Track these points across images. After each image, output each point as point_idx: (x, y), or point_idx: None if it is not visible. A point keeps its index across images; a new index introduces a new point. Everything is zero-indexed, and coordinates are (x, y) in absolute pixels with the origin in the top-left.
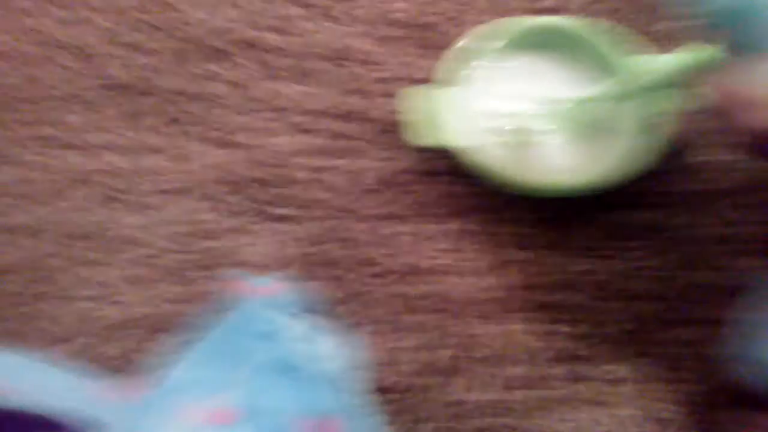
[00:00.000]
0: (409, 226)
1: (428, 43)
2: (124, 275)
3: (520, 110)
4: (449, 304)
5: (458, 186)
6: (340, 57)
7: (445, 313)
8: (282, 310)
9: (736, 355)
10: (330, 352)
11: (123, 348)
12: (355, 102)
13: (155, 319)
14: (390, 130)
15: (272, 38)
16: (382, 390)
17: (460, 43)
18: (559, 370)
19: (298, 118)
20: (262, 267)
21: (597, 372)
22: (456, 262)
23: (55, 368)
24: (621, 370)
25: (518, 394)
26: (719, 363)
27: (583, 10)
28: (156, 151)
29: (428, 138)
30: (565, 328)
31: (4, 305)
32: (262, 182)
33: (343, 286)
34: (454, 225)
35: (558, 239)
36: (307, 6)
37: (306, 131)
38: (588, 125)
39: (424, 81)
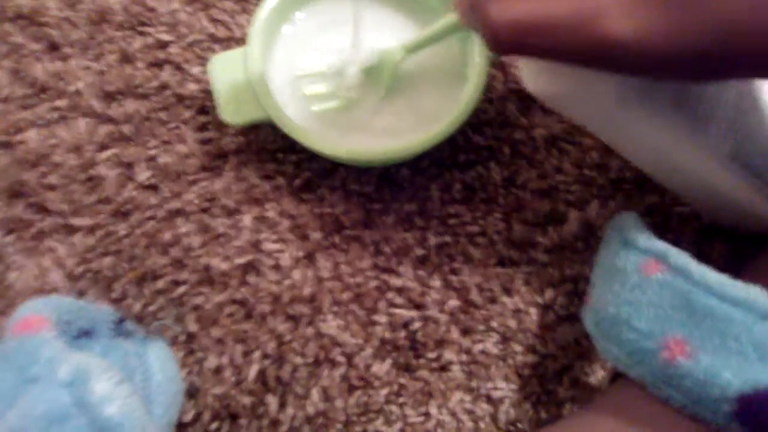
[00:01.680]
0: (239, 220)
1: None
2: None
3: (335, 68)
4: (251, 309)
5: (286, 168)
6: (145, 26)
7: (248, 322)
8: (51, 345)
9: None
10: (107, 392)
11: None
12: (167, 79)
13: None
14: (199, 104)
15: (51, 5)
16: (182, 427)
17: None
18: (380, 367)
19: (88, 101)
20: (42, 291)
21: (421, 361)
22: (255, 259)
23: None
24: (446, 354)
25: (338, 403)
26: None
27: None
28: None
29: (243, 114)
30: (383, 318)
31: None
32: (50, 187)
33: (126, 307)
34: (249, 215)
35: (368, 217)
36: None
37: (109, 119)
38: (405, 77)
39: (240, 42)
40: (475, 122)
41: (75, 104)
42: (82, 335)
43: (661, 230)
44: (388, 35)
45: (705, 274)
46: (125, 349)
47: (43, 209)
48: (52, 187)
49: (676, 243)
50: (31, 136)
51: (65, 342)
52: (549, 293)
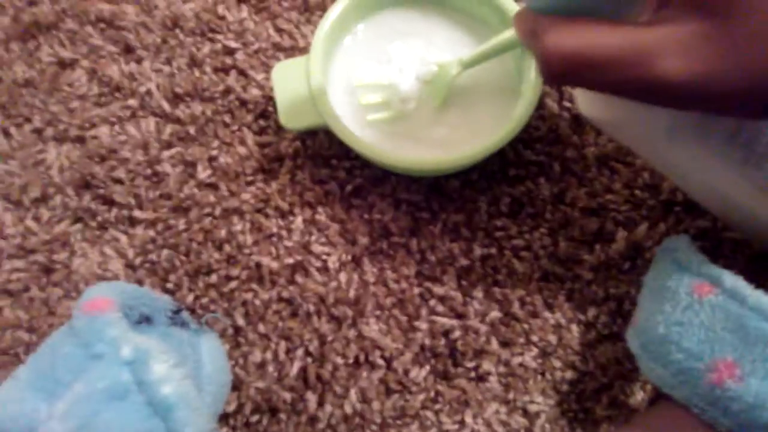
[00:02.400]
0: (291, 222)
1: (306, 7)
2: None
3: (392, 79)
4: (297, 308)
5: (340, 174)
6: (211, 30)
7: (294, 320)
8: (116, 326)
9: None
10: (164, 373)
11: None
12: (232, 84)
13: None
14: (261, 109)
15: (128, 10)
16: (225, 416)
17: (333, 7)
18: (418, 372)
19: (158, 101)
20: (102, 278)
21: (459, 370)
22: (304, 260)
23: None
24: (484, 364)
25: (375, 405)
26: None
27: None
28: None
29: (298, 118)
30: (424, 325)
31: None
32: (117, 180)
33: (180, 298)
34: (300, 217)
35: (416, 225)
36: None
37: (177, 120)
38: (460, 91)
39: (303, 51)
40: (527, 138)
41: (145, 104)
42: (143, 320)
43: (712, 255)
44: (446, 49)
45: (760, 298)
46: (180, 337)
47: (109, 201)
48: (118, 181)
49: (727, 268)
50: (104, 131)
51: (128, 324)
52: (592, 311)
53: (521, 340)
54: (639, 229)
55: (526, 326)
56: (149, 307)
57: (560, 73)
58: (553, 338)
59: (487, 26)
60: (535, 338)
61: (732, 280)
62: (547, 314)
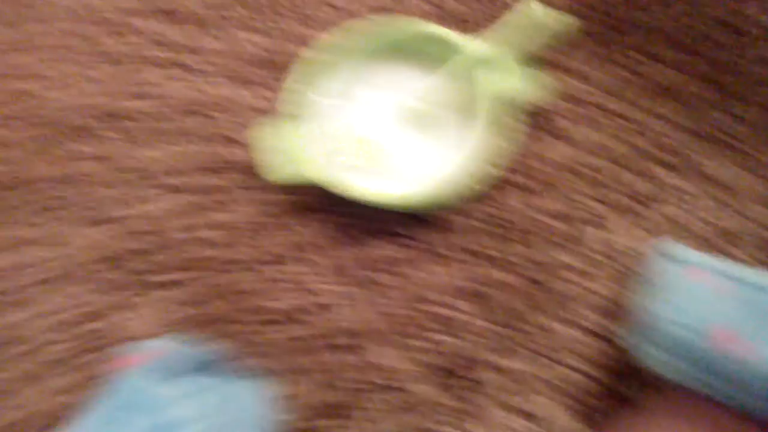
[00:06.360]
0: (287, 266)
1: (282, 73)
2: (12, 376)
3: (364, 124)
4: (336, 339)
5: (325, 216)
6: (200, 107)
7: (306, 355)
8: (160, 374)
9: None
10: (183, 420)
11: None
12: (220, 150)
13: (50, 413)
14: (254, 172)
15: (131, 105)
16: None
17: (296, 65)
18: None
19: (167, 180)
20: (150, 337)
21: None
22: (307, 300)
23: None
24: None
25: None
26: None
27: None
28: (31, 242)
29: (284, 173)
30: (424, 344)
31: None
32: (141, 252)
33: (235, 340)
34: (330, 256)
35: (403, 254)
36: (160, 65)
37: (177, 191)
38: (432, 121)
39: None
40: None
41: (155, 183)
42: (174, 371)
43: None
44: (405, 89)
45: (751, 273)
46: (213, 386)
47: (133, 272)
48: (140, 253)
49: None
50: (123, 213)
51: (154, 376)
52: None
53: (518, 348)
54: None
55: (521, 335)
56: (181, 361)
57: None
58: (544, 340)
59: (443, 64)
60: (530, 345)
61: (719, 262)
62: (541, 319)
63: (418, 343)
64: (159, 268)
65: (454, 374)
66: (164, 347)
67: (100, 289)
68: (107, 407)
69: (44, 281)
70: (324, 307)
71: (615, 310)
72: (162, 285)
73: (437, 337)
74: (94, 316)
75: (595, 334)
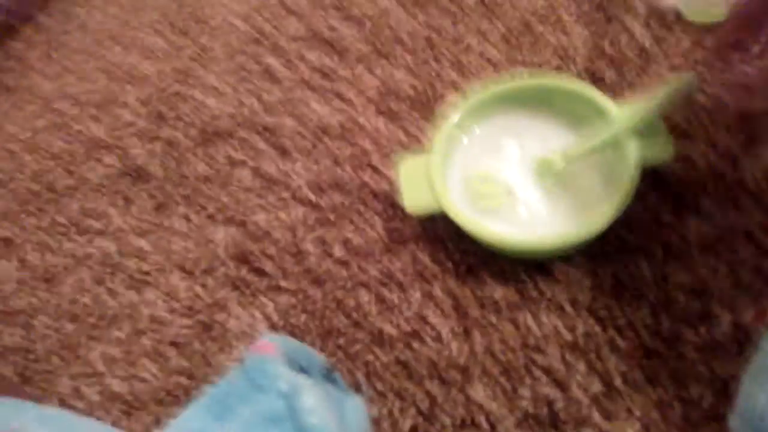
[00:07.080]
0: (408, 293)
1: (430, 112)
2: (137, 350)
3: (504, 171)
4: (412, 371)
5: (452, 251)
6: (348, 134)
7: (409, 381)
8: (278, 366)
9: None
10: (313, 406)
11: (142, 423)
12: (361, 174)
13: (168, 390)
14: (389, 199)
15: (284, 121)
16: None
17: (447, 107)
18: None
19: (306, 193)
20: (251, 337)
21: None
22: (420, 329)
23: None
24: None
25: None
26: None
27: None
28: (176, 233)
29: (421, 205)
30: (528, 393)
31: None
32: (270, 256)
33: (346, 355)
34: (419, 292)
35: (523, 302)
36: (318, 90)
37: (314, 205)
38: (570, 178)
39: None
40: (627, 221)
41: (295, 195)
42: (300, 371)
43: None
44: (549, 144)
45: None
46: (330, 392)
47: (260, 273)
48: (270, 257)
49: None
50: (261, 218)
51: (287, 365)
52: (696, 389)
53: (623, 414)
54: (745, 313)
55: (628, 400)
56: (306, 361)
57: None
58: (655, 414)
59: (589, 124)
60: (637, 413)
61: None
62: (649, 389)
63: (526, 393)
64: (285, 274)
65: (558, 429)
66: (296, 347)
67: (229, 284)
68: (245, 386)
69: (181, 268)
70: (437, 339)
71: (732, 393)
72: (287, 290)
73: (545, 390)
74: (220, 308)
75: (714, 418)
